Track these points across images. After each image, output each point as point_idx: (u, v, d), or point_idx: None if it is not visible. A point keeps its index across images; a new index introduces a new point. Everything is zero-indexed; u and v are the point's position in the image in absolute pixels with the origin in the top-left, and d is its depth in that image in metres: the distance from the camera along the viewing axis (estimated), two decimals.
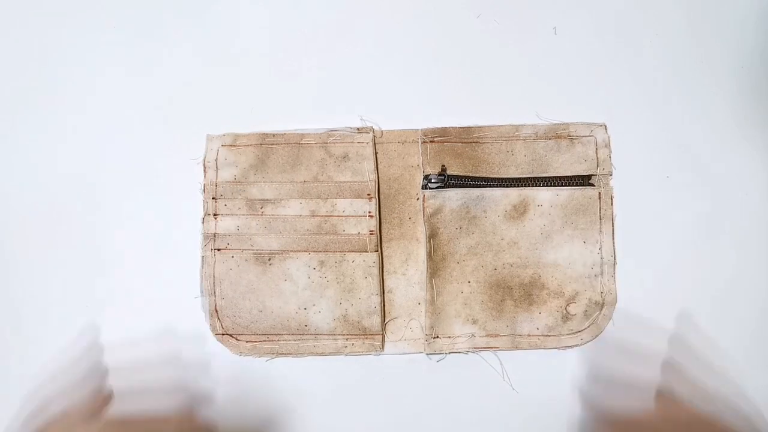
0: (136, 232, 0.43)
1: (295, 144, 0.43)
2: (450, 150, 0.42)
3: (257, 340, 0.42)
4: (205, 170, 0.43)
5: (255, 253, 0.42)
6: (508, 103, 0.43)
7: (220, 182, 0.43)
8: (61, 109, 0.44)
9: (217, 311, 0.42)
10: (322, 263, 0.42)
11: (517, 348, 0.41)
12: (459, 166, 0.42)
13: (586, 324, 0.42)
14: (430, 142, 0.42)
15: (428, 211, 0.42)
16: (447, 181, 0.42)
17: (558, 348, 0.41)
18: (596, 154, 0.42)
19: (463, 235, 0.42)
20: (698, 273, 0.42)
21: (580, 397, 0.40)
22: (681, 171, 0.42)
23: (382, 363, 0.41)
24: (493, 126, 0.43)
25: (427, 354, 0.42)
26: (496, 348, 0.42)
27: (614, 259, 0.42)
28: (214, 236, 0.42)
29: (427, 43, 0.44)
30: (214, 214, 0.42)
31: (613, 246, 0.42)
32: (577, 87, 0.43)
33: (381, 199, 0.43)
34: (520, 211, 0.42)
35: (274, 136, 0.43)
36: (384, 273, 0.42)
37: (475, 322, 0.42)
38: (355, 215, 0.42)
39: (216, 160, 0.43)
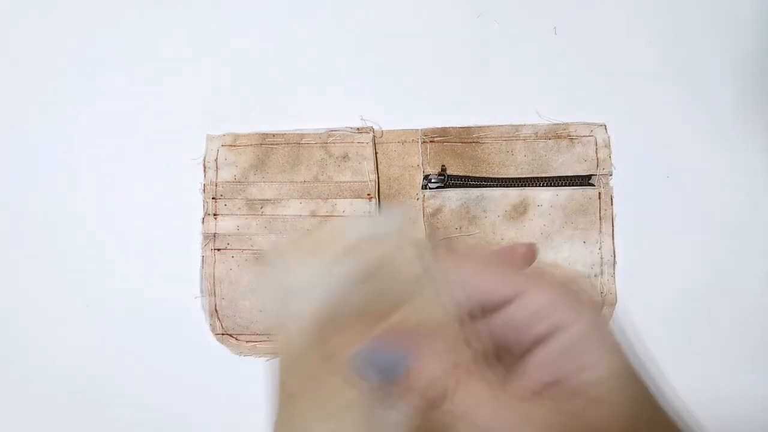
0: (136, 231, 0.43)
1: (295, 144, 0.43)
2: (450, 150, 0.42)
3: (257, 340, 0.42)
4: (205, 170, 0.43)
5: (255, 253, 0.42)
6: (508, 103, 0.43)
7: (220, 182, 0.43)
8: (60, 109, 0.44)
9: (217, 311, 0.42)
10: None
11: None
12: (459, 166, 0.42)
13: None
14: (430, 142, 0.42)
15: (428, 211, 0.42)
16: (447, 181, 0.42)
17: None
18: (596, 154, 0.42)
19: (463, 235, 0.42)
20: (698, 273, 0.42)
21: None
22: (681, 171, 0.42)
23: None
24: (493, 126, 0.43)
25: None
26: None
27: (614, 259, 0.42)
28: (214, 236, 0.42)
29: (427, 42, 0.44)
30: (214, 214, 0.42)
31: (613, 246, 0.42)
32: (577, 87, 0.43)
33: (381, 199, 0.43)
34: (520, 211, 0.42)
35: (274, 136, 0.43)
36: None
37: None
38: (355, 215, 0.42)
39: (216, 160, 0.43)
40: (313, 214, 0.42)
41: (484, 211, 0.42)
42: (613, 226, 0.42)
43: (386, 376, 0.18)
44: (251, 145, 0.43)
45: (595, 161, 0.42)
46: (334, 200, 0.42)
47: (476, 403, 0.18)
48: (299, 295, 0.21)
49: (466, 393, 0.18)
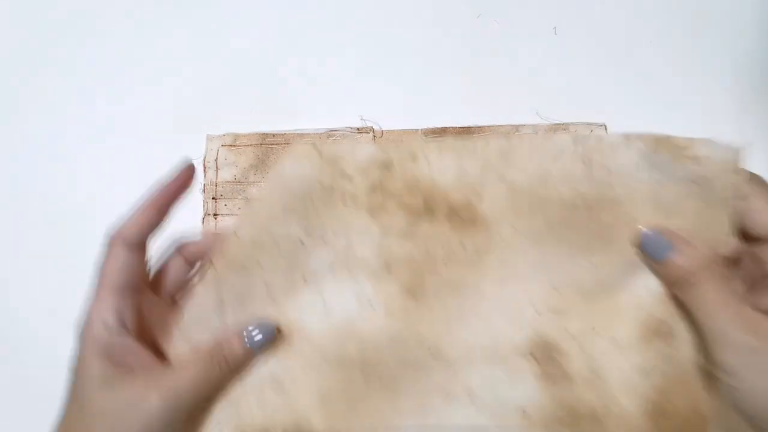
0: None
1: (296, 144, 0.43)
2: None
3: None
4: (205, 170, 0.43)
5: None
6: (508, 103, 0.43)
7: (220, 182, 0.43)
8: (60, 109, 0.44)
9: None
10: None
11: None
12: None
13: None
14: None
15: None
16: None
17: None
18: None
19: None
20: None
21: None
22: None
23: None
24: (493, 126, 0.43)
25: None
26: None
27: None
28: None
29: (428, 42, 0.44)
30: (214, 214, 0.42)
31: None
32: (577, 87, 0.43)
33: None
34: None
35: (274, 136, 0.43)
36: None
37: None
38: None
39: (216, 160, 0.43)
40: None
41: None
42: None
43: (653, 255, 0.28)
44: (251, 145, 0.43)
45: None
46: None
47: (713, 297, 0.26)
48: None
49: (714, 284, 0.26)
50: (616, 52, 0.44)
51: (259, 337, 0.29)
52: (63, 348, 0.42)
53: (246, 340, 0.29)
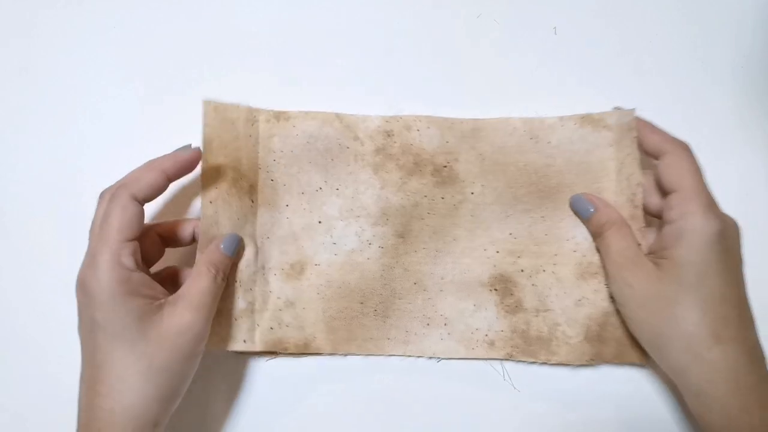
0: None
1: None
2: None
3: None
4: None
5: None
6: (508, 102, 0.43)
7: None
8: (59, 109, 0.44)
9: None
10: None
11: None
12: None
13: None
14: None
15: None
16: None
17: None
18: None
19: None
20: None
21: (582, 394, 0.40)
22: None
23: (381, 361, 0.41)
24: None
25: None
26: None
27: None
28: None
29: (427, 42, 0.44)
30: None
31: None
32: (577, 87, 0.43)
33: None
34: None
35: None
36: None
37: None
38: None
39: None
40: None
41: None
42: None
43: (580, 214, 0.38)
44: None
45: None
46: None
47: (615, 244, 0.35)
48: None
49: (616, 235, 0.35)
50: (616, 52, 0.44)
51: (229, 243, 0.36)
52: (64, 348, 0.42)
53: (222, 247, 0.35)
